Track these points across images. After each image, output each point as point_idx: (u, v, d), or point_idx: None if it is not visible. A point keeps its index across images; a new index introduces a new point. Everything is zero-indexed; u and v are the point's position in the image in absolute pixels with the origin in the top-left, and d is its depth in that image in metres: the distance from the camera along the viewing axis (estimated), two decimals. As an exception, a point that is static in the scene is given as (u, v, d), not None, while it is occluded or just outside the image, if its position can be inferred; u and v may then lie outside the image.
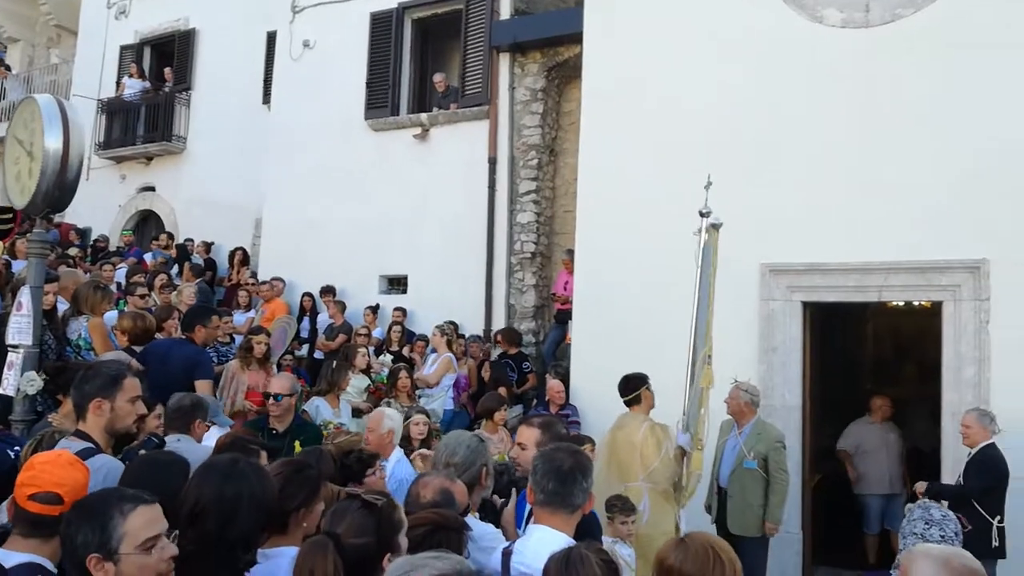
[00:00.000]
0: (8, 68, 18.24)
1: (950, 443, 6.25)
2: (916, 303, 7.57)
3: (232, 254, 12.35)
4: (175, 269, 11.68)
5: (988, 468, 5.40)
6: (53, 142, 4.32)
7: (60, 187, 4.42)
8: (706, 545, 2.30)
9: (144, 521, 1.95)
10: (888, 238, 6.56)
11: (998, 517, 5.35)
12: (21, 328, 4.40)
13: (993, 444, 5.53)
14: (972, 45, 6.49)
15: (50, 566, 2.15)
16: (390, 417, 4.37)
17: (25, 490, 2.18)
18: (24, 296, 4.43)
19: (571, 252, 8.88)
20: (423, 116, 10.74)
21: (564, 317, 9.26)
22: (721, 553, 2.29)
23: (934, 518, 3.41)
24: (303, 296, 10.74)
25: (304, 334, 10.41)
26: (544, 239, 10.29)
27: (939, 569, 2.22)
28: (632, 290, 7.56)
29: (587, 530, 2.88)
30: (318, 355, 9.93)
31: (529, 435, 3.27)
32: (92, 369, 3.02)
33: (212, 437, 4.01)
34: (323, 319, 10.47)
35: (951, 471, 6.09)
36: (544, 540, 2.56)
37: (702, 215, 4.75)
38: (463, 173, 10.35)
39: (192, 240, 13.03)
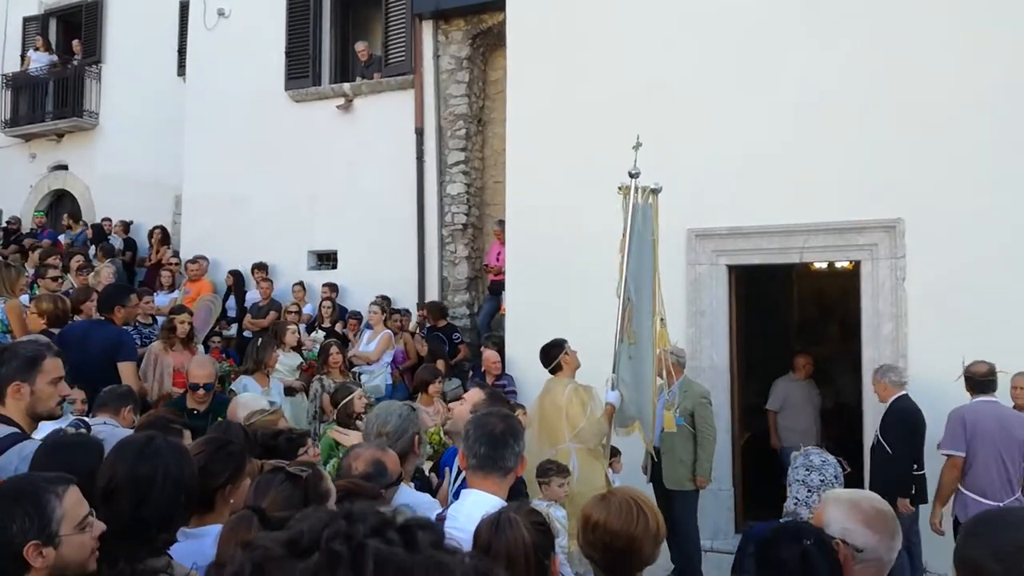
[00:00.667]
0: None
1: (870, 397, 6.48)
2: (839, 264, 7.80)
3: (151, 232, 11.91)
4: (92, 251, 11.21)
5: (901, 419, 5.63)
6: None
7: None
8: (629, 500, 2.33)
9: (76, 500, 1.90)
10: (808, 201, 6.71)
11: (915, 465, 5.60)
12: (-80, 313, 4.15)
13: (905, 396, 5.75)
14: (893, 5, 6.66)
15: None
16: (244, 406, 4.21)
17: None
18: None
19: (502, 223, 8.85)
20: (346, 86, 10.49)
21: (498, 288, 9.24)
22: (644, 506, 2.33)
23: (814, 464, 3.56)
24: (228, 274, 10.46)
25: (231, 313, 10.15)
26: (475, 210, 10.22)
27: (849, 511, 2.30)
28: (564, 257, 7.58)
29: (519, 494, 2.89)
30: (247, 334, 9.71)
31: (472, 395, 3.27)
32: (8, 351, 2.87)
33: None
34: (251, 297, 10.22)
35: (872, 424, 6.33)
36: (478, 503, 2.56)
37: (631, 176, 4.77)
38: (390, 144, 10.16)
39: (109, 219, 12.51)
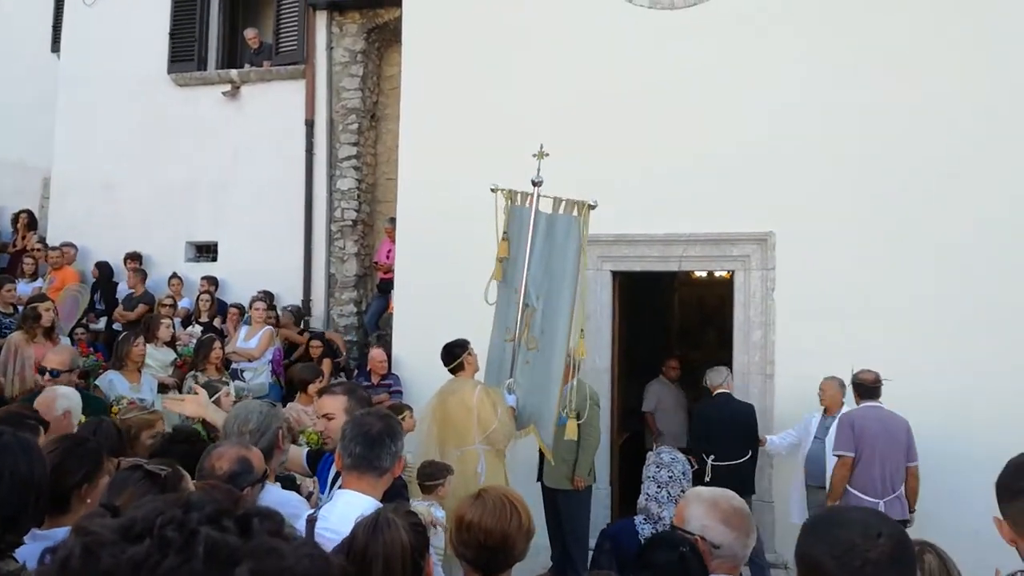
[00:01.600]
0: None
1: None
2: (718, 273, 8.15)
3: (16, 217, 11.13)
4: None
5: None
6: None
7: None
8: (502, 498, 2.37)
9: None
10: (688, 212, 6.99)
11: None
12: None
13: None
14: (759, 28, 7.02)
15: None
16: (65, 397, 4.01)
17: None
18: None
19: (393, 220, 8.77)
20: (233, 72, 10.15)
21: (387, 286, 9.15)
22: (516, 504, 2.37)
23: (663, 461, 3.76)
24: (94, 266, 9.90)
25: (99, 305, 9.62)
26: (366, 207, 10.09)
27: (708, 510, 2.43)
28: (454, 258, 7.58)
29: (396, 494, 2.87)
30: (117, 327, 9.22)
31: (335, 404, 3.18)
32: None
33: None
34: (122, 289, 9.72)
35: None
36: (351, 504, 2.53)
37: (534, 184, 4.83)
38: (278, 135, 9.90)
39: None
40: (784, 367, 6.71)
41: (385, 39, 10.11)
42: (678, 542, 2.38)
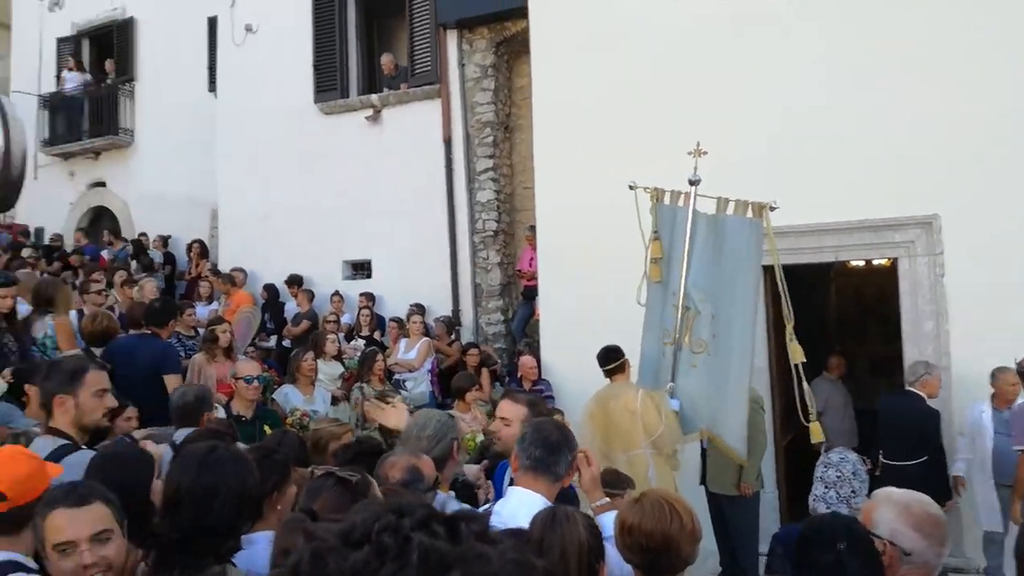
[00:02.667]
0: (-60, 67, 17.60)
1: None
2: (876, 262, 7.71)
3: (190, 247, 12.13)
4: (134, 265, 11.42)
5: None
6: (-5, 140, 4.19)
7: (6, 185, 4.30)
8: (661, 501, 2.36)
9: (56, 525, 1.95)
10: (842, 199, 6.65)
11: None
12: (-24, 333, 4.28)
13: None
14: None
15: (25, 560, 2.12)
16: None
17: None
18: (-24, 300, 4.31)
19: (533, 228, 8.88)
20: (374, 97, 10.61)
21: (531, 293, 9.27)
22: (677, 506, 2.35)
23: (831, 460, 3.58)
24: (263, 288, 10.61)
25: (269, 325, 10.30)
26: (505, 216, 10.27)
27: (899, 513, 2.29)
28: (596, 262, 7.57)
29: (567, 502, 2.90)
30: (286, 343, 9.86)
31: (514, 411, 3.26)
32: (52, 366, 2.97)
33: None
34: (290, 308, 10.37)
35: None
36: (524, 501, 2.58)
37: (691, 183, 4.73)
38: (419, 154, 10.26)
39: (146, 234, 12.74)
40: (960, 358, 6.25)
41: (513, 51, 10.27)
42: (835, 538, 2.23)
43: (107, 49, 14.45)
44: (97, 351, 5.34)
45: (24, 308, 5.78)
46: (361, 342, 9.08)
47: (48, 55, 14.86)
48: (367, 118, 10.51)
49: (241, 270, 10.51)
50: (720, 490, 5.80)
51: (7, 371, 4.69)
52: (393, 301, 10.13)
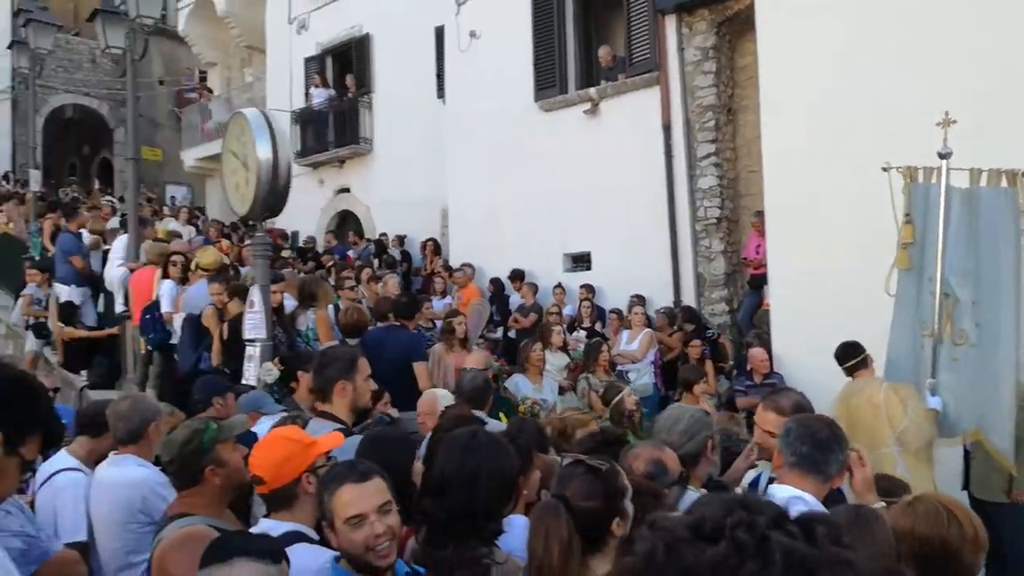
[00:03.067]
0: (210, 91, 20.11)
1: None
2: None
3: (424, 245, 12.93)
4: (376, 263, 12.39)
5: None
6: (264, 152, 4.70)
7: (274, 193, 4.81)
8: (937, 504, 2.15)
9: (347, 500, 2.09)
10: None
11: None
12: (255, 324, 4.86)
13: None
14: None
15: (308, 531, 2.36)
16: (445, 397, 4.28)
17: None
18: (255, 295, 4.88)
19: (760, 213, 8.52)
20: (591, 91, 10.67)
21: (758, 282, 8.91)
22: (955, 510, 2.14)
23: None
24: (489, 282, 11.07)
25: (496, 317, 10.73)
26: (729, 203, 9.94)
27: None
28: (832, 248, 7.13)
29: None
30: (511, 334, 10.24)
31: (776, 422, 2.94)
32: (328, 355, 3.27)
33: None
34: (514, 300, 10.75)
35: None
36: (795, 500, 2.39)
37: (941, 156, 4.32)
38: (637, 143, 10.19)
39: (387, 234, 13.75)
40: None
41: (735, 30, 9.89)
42: None
43: (347, 65, 15.76)
44: (351, 341, 5.86)
45: (290, 303, 6.48)
46: (583, 333, 9.20)
47: (297, 74, 16.46)
48: (585, 112, 10.61)
49: (469, 265, 11.04)
50: (987, 496, 5.20)
51: (276, 359, 5.27)
52: (613, 292, 10.16)
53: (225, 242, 11.53)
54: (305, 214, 15.54)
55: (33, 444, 1.72)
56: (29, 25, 11.84)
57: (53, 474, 3.47)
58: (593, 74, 11.06)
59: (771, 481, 2.73)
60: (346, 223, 16.01)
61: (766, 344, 7.78)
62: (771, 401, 3.12)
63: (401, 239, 13.56)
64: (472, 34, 11.75)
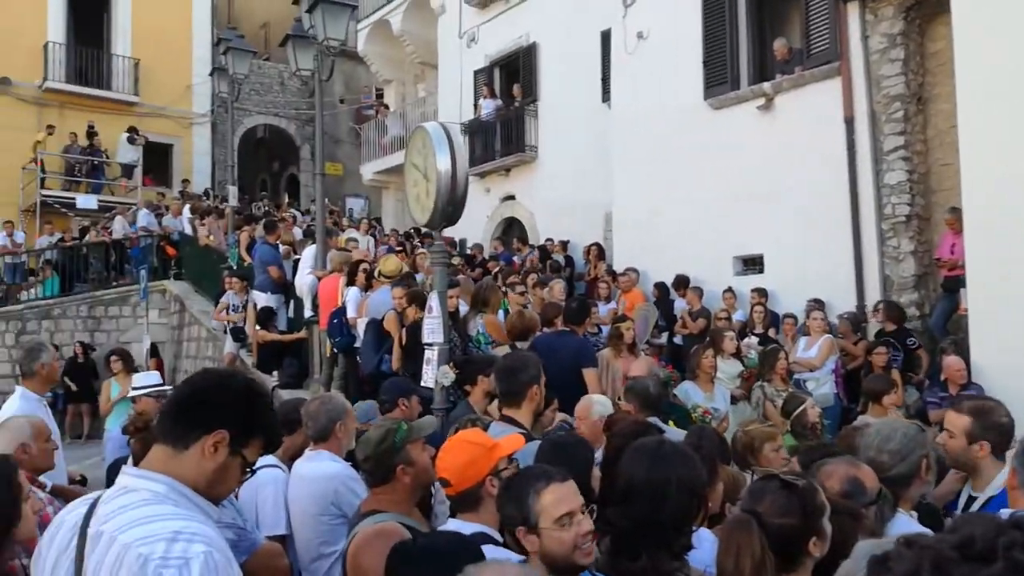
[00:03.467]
0: (387, 107, 21.16)
1: None
2: None
3: (588, 249, 12.94)
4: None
5: None
6: (444, 163, 4.87)
7: (452, 203, 4.97)
8: None
9: (555, 498, 2.08)
10: None
11: None
12: (433, 328, 5.03)
13: None
14: None
15: (493, 532, 2.40)
16: (601, 404, 4.12)
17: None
18: (433, 300, 5.06)
19: (955, 210, 7.84)
20: (766, 85, 10.26)
21: (953, 285, 8.20)
22: None
23: None
24: (654, 286, 10.90)
25: (660, 322, 10.55)
26: (919, 199, 9.22)
27: None
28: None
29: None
30: (677, 340, 10.03)
31: (959, 423, 2.86)
32: (519, 359, 3.33)
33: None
34: (679, 305, 10.53)
35: None
36: None
37: None
38: (815, 139, 9.70)
39: (552, 240, 13.88)
40: None
41: (926, 14, 9.18)
42: None
43: (514, 75, 16.09)
44: (521, 345, 5.95)
45: (462, 308, 6.68)
46: (755, 339, 8.86)
47: (466, 86, 16.98)
48: (759, 107, 10.22)
49: (634, 270, 10.92)
50: None
51: (451, 363, 5.43)
52: (787, 297, 9.71)
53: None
54: (472, 222, 15.95)
55: (255, 447, 1.83)
56: (228, 52, 12.98)
57: (254, 470, 3.76)
58: (767, 68, 10.64)
59: (988, 501, 2.50)
60: (511, 229, 16.33)
61: (963, 352, 7.15)
62: (955, 405, 2.98)
63: (564, 244, 13.64)
64: (639, 35, 11.65)
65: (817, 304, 8.82)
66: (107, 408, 8.01)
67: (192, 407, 1.80)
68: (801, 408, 4.54)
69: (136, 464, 1.87)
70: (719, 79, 10.71)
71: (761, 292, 9.74)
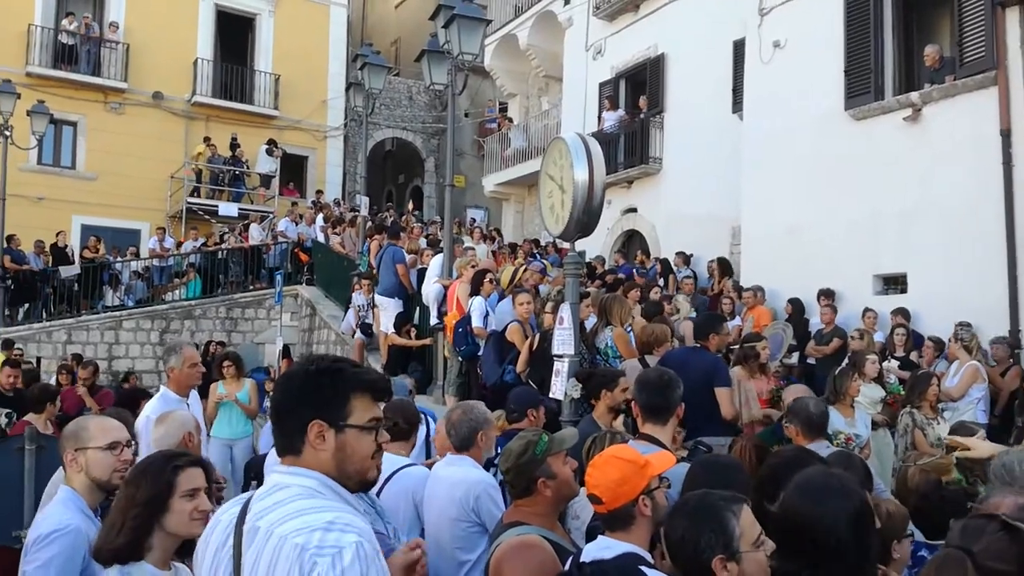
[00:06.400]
0: (510, 120, 21.41)
1: None
2: None
3: (711, 264, 12.60)
4: (662, 283, 12.30)
5: None
6: (581, 174, 4.85)
7: (588, 213, 4.95)
8: None
9: (751, 519, 2.00)
10: None
11: None
12: (564, 340, 5.01)
13: None
14: None
15: (646, 554, 2.32)
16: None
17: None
18: (564, 311, 5.03)
19: None
20: (913, 95, 9.70)
21: None
22: None
23: None
24: (787, 302, 10.48)
25: (791, 341, 10.10)
26: (1091, 214, 8.47)
27: None
28: None
29: None
30: (810, 361, 9.59)
31: None
32: (666, 376, 3.25)
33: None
34: (813, 324, 10.08)
35: None
36: None
37: None
38: (967, 151, 9.11)
39: (683, 253, 13.51)
40: None
41: (1099, 16, 8.45)
42: None
43: (639, 86, 15.94)
44: (651, 360, 5.81)
45: (591, 320, 6.62)
46: (895, 363, 8.35)
47: (591, 98, 16.94)
48: (905, 118, 9.67)
49: (760, 288, 10.52)
50: None
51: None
52: (931, 319, 9.11)
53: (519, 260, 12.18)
54: (593, 234, 15.83)
55: (360, 407, 1.84)
56: (365, 68, 13.46)
57: (393, 472, 3.81)
58: (914, 78, 10.08)
59: None
60: (631, 242, 16.13)
61: None
62: None
63: (687, 258, 13.32)
64: (775, 43, 11.29)
65: (964, 327, 8.23)
66: (212, 412, 7.80)
67: (281, 419, 1.87)
68: (977, 435, 4.18)
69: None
70: (862, 88, 10.22)
71: (903, 313, 9.19)
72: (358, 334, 11.13)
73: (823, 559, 1.99)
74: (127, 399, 6.78)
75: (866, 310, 9.54)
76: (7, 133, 14.55)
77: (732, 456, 2.91)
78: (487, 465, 3.64)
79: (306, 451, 1.80)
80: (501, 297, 8.02)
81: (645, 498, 2.31)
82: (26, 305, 15.74)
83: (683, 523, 2.04)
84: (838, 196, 10.27)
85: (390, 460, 3.70)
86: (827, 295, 9.93)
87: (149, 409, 4.14)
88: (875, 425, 6.60)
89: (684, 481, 2.76)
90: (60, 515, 2.63)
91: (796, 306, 10.40)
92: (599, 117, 16.50)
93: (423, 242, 13.56)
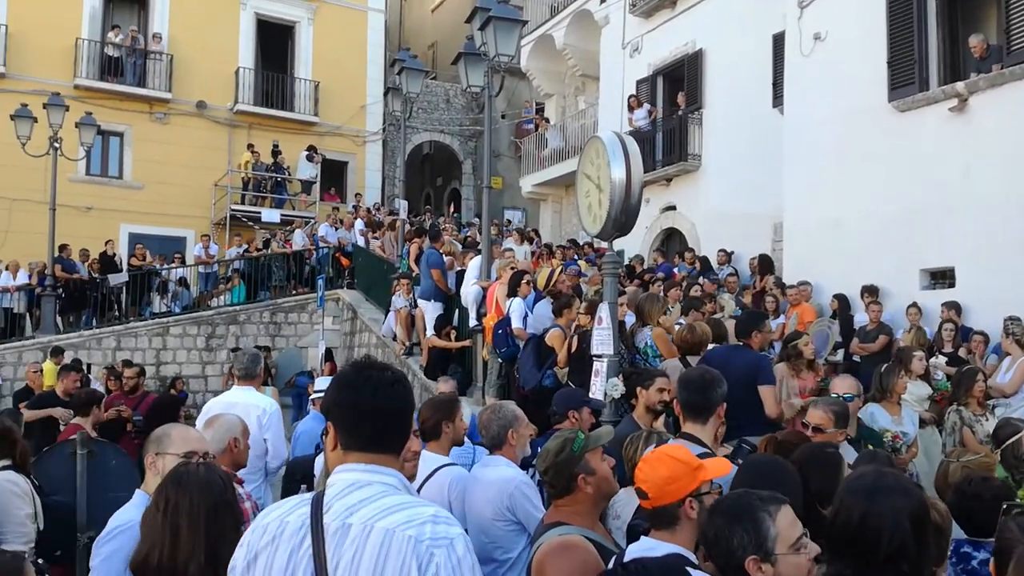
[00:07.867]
0: (547, 120, 21.39)
1: None
2: None
3: (752, 261, 12.43)
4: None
5: None
6: (618, 173, 4.83)
7: (625, 212, 4.93)
8: None
9: (789, 521, 1.97)
10: None
11: None
12: (603, 340, 4.99)
13: None
14: None
15: (690, 555, 2.29)
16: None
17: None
18: (603, 311, 5.02)
19: None
20: (959, 86, 9.46)
21: None
22: None
23: None
24: (832, 298, 10.30)
25: (837, 338, 9.92)
26: None
27: None
28: None
29: None
30: (856, 358, 9.40)
31: None
32: (708, 376, 3.22)
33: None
34: (859, 319, 9.89)
35: None
36: None
37: None
38: (1017, 141, 8.84)
39: (725, 250, 13.35)
40: None
41: None
42: None
43: (677, 83, 15.79)
44: (692, 359, 5.76)
45: (630, 319, 6.58)
46: (943, 359, 8.15)
47: (628, 97, 16.84)
48: (950, 109, 9.44)
49: (807, 283, 10.35)
50: None
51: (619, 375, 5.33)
52: (981, 313, 8.88)
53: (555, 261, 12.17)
54: (631, 233, 15.72)
55: None
56: (403, 72, 13.56)
57: (433, 472, 3.83)
58: (959, 67, 9.84)
59: None
60: (671, 240, 15.99)
61: None
62: None
63: (727, 255, 13.15)
64: (816, 36, 11.09)
65: (1014, 321, 8.00)
66: None
67: (383, 420, 1.89)
68: (1016, 438, 4.08)
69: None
70: (906, 79, 9.99)
71: (953, 307, 8.97)
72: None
73: (880, 561, 1.95)
74: (166, 405, 6.85)
75: (910, 305, 9.34)
76: (57, 145, 14.95)
77: (779, 459, 2.85)
78: (525, 466, 3.65)
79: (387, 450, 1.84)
80: (538, 298, 8.01)
81: (692, 500, 2.28)
82: (81, 313, 16.17)
83: (718, 521, 2.02)
84: (883, 189, 10.06)
85: (428, 459, 3.73)
86: (870, 291, 9.73)
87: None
88: (923, 423, 6.45)
89: (732, 480, 2.72)
90: (127, 513, 2.72)
91: (842, 302, 10.21)
92: (630, 119, 16.37)
93: (458, 245, 13.59)
